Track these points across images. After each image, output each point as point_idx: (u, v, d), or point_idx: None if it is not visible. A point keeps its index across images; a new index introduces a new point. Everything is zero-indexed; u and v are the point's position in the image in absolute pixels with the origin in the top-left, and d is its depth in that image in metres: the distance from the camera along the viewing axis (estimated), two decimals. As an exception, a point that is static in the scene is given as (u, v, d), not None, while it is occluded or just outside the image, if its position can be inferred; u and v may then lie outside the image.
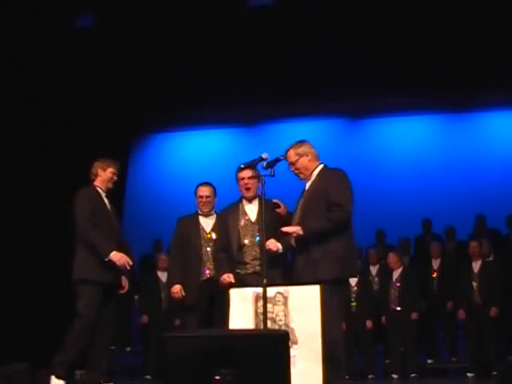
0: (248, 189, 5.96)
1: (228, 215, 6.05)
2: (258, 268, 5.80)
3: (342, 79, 10.68)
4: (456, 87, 10.95)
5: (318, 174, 5.49)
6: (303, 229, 5.24)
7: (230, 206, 6.12)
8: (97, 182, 6.44)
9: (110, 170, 6.43)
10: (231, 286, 5.73)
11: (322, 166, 5.54)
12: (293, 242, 5.44)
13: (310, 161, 5.52)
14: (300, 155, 5.51)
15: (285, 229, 5.29)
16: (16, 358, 6.31)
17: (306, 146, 5.56)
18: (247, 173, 5.88)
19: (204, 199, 6.49)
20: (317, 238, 5.24)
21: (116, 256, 6.07)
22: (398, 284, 9.05)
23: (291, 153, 5.53)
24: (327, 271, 5.18)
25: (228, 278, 5.82)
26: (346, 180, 5.41)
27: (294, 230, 5.27)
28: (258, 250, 5.82)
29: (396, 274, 9.14)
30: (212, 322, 6.19)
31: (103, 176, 6.43)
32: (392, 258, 9.24)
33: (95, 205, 6.27)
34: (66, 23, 10.28)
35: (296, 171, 5.55)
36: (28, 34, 9.87)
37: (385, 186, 12.04)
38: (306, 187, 5.54)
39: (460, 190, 11.62)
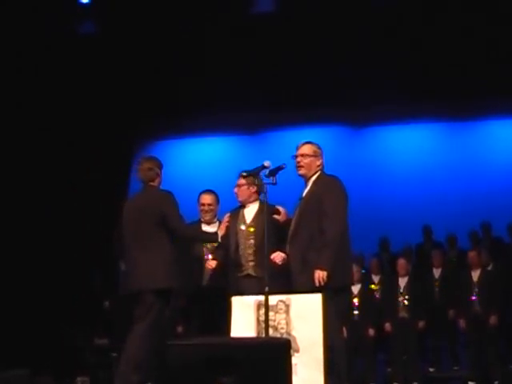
0: (237, 196, 6.13)
1: (230, 220, 6.10)
2: (250, 270, 5.88)
3: (344, 87, 10.70)
4: (458, 95, 10.96)
5: (314, 182, 5.50)
6: (322, 269, 5.13)
7: (233, 210, 6.17)
8: (156, 183, 5.96)
9: (162, 171, 6.06)
10: (215, 270, 6.06)
11: (319, 172, 5.55)
12: (287, 248, 5.44)
13: (318, 166, 5.54)
14: (315, 156, 5.54)
15: (317, 284, 5.16)
16: (16, 364, 6.28)
17: (321, 152, 5.60)
18: (237, 181, 6.07)
19: (206, 207, 6.50)
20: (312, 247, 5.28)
21: (222, 229, 5.98)
22: (406, 292, 9.05)
23: (309, 146, 5.57)
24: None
25: (210, 263, 6.09)
26: (340, 188, 5.42)
27: (320, 279, 5.13)
28: (250, 252, 5.91)
29: (403, 282, 9.12)
30: (215, 329, 6.17)
31: (160, 176, 6.00)
32: (402, 264, 9.21)
33: None
34: (69, 30, 10.32)
35: (300, 163, 5.54)
36: (33, 41, 9.92)
37: (387, 194, 12.02)
38: (303, 194, 5.55)
39: (462, 198, 11.59)
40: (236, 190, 6.11)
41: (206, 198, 6.54)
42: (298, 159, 5.54)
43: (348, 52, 10.44)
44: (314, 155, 5.53)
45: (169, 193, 5.86)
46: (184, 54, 10.75)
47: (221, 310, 5.96)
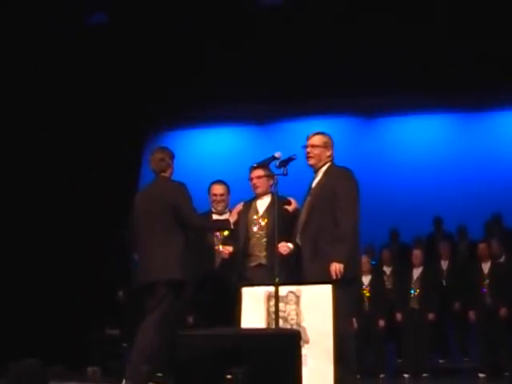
0: (256, 187, 6.07)
1: (243, 211, 6.10)
2: (263, 260, 5.87)
3: (354, 77, 10.66)
4: (470, 86, 10.89)
5: (325, 173, 5.48)
6: (339, 262, 5.12)
7: (246, 202, 6.17)
8: (168, 174, 5.96)
9: (173, 161, 6.04)
10: (230, 255, 6.02)
11: (329, 163, 5.53)
12: (298, 240, 5.44)
13: (328, 157, 5.52)
14: (325, 146, 5.52)
15: (334, 277, 5.13)
16: (28, 354, 6.30)
17: (331, 143, 5.57)
18: (255, 172, 6.01)
19: (218, 197, 6.51)
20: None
21: (233, 216, 5.96)
22: (420, 283, 9.04)
23: (319, 137, 5.55)
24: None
25: (227, 248, 6.05)
26: (353, 179, 5.40)
27: (337, 271, 5.11)
28: (264, 242, 5.90)
29: (417, 273, 9.12)
30: (226, 321, 6.17)
31: (172, 167, 5.99)
32: (417, 255, 9.20)
33: None
34: (77, 21, 10.32)
35: (310, 154, 5.52)
36: (42, 31, 9.93)
37: (397, 185, 11.99)
38: (313, 185, 5.53)
39: (473, 189, 11.56)
40: (256, 181, 6.04)
41: (218, 189, 6.55)
42: (308, 150, 5.53)
43: (361, 42, 10.38)
44: (324, 146, 5.52)
45: (181, 184, 5.87)
46: (193, 44, 10.73)
47: (224, 298, 6.01)
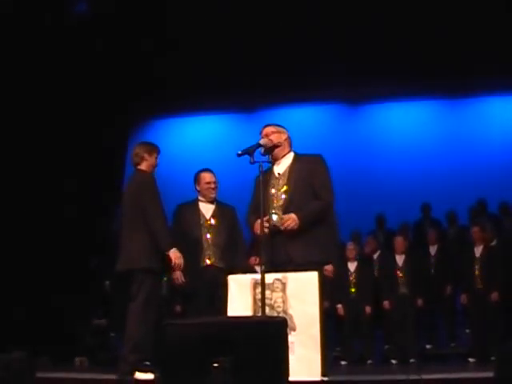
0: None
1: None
2: None
3: (339, 65, 10.65)
4: (454, 72, 10.92)
5: (294, 158, 5.49)
6: (299, 219, 5.18)
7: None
8: (142, 167, 6.10)
9: (155, 155, 6.15)
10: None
11: (293, 152, 5.55)
12: (278, 223, 5.41)
13: (286, 140, 5.52)
14: (279, 132, 5.53)
15: (285, 226, 5.18)
16: (15, 347, 6.27)
17: (285, 130, 5.58)
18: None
19: (212, 185, 6.50)
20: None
21: (175, 254, 5.89)
22: (403, 269, 9.06)
23: (270, 127, 5.55)
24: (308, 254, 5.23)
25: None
26: (326, 163, 5.45)
27: (291, 224, 5.17)
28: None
29: (401, 259, 9.14)
30: (214, 309, 6.16)
31: (149, 161, 6.10)
32: (399, 242, 9.23)
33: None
34: (62, 10, 10.22)
35: None
36: (26, 20, 9.83)
37: (383, 171, 12.01)
38: (277, 172, 5.48)
39: (459, 175, 11.60)
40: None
41: (212, 176, 6.55)
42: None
43: (344, 30, 10.36)
44: (278, 132, 5.53)
45: (148, 177, 6.01)
46: (179, 31, 10.67)
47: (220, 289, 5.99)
